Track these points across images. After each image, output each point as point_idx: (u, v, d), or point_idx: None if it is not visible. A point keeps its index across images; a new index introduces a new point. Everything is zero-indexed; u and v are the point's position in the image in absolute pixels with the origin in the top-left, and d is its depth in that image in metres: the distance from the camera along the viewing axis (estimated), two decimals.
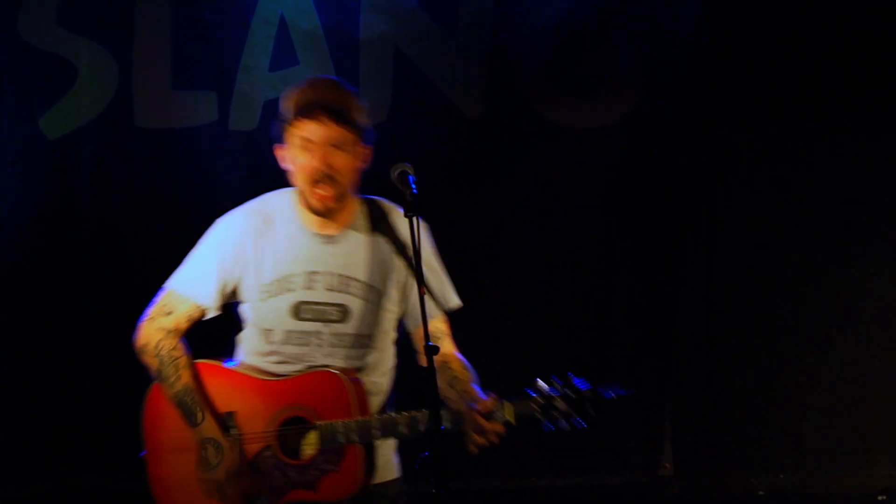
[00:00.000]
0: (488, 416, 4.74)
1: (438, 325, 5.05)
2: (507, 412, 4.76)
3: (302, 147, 4.83)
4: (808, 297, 7.59)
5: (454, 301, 5.06)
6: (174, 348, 4.96)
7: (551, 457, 7.53)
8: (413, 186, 4.71)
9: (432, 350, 4.53)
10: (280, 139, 4.87)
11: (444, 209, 7.43)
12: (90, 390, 7.53)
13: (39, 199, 7.47)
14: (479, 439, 4.74)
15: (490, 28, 7.64)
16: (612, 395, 4.82)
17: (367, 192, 5.05)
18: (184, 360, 4.94)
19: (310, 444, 4.87)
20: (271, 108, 7.49)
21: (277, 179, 7.47)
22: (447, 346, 5.04)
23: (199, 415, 4.90)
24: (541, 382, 4.79)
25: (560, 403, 4.78)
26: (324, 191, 4.83)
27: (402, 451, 5.01)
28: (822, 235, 7.60)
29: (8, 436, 7.45)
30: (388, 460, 5.03)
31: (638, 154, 7.64)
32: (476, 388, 4.89)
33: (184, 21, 7.51)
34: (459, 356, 5.03)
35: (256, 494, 4.87)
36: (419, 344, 5.00)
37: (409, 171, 4.77)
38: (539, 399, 4.78)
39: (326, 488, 4.81)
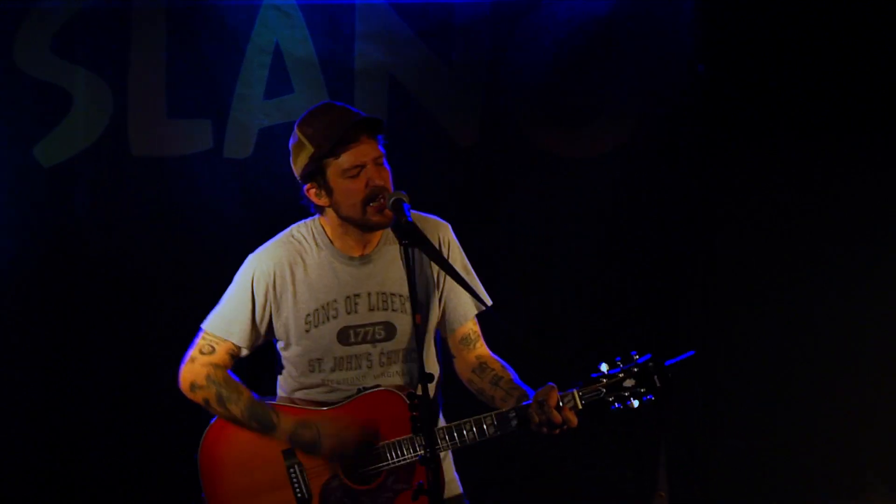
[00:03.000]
0: (557, 406, 4.82)
1: (472, 328, 5.15)
2: (576, 399, 4.87)
3: (351, 173, 4.87)
4: (805, 327, 7.57)
5: (488, 299, 5.12)
6: (225, 376, 4.99)
7: (547, 484, 7.52)
8: (408, 214, 4.75)
9: (428, 378, 4.54)
10: (314, 177, 4.92)
11: None
12: (89, 422, 7.51)
13: (34, 227, 7.45)
14: (553, 431, 4.84)
15: (485, 58, 7.64)
16: (675, 361, 4.88)
17: None
18: (238, 383, 4.98)
19: (377, 466, 4.88)
20: (266, 135, 7.53)
21: (270, 207, 7.52)
22: (482, 348, 5.15)
23: (274, 416, 4.91)
24: (602, 364, 4.83)
25: (627, 381, 4.87)
26: (382, 205, 4.87)
27: (461, 469, 5.16)
28: (819, 266, 7.59)
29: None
30: (451, 478, 5.14)
31: (632, 183, 7.64)
32: (521, 384, 4.97)
33: (179, 49, 7.51)
34: (495, 356, 5.12)
35: None
36: (453, 348, 5.12)
37: (404, 198, 4.81)
38: (603, 380, 4.86)
39: None
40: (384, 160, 4.94)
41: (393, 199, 4.82)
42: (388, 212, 4.86)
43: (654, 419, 7.57)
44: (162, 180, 7.53)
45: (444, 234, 5.18)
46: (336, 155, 4.88)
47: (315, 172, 4.93)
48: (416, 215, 5.01)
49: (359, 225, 4.96)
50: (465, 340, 5.15)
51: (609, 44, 7.63)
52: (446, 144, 7.60)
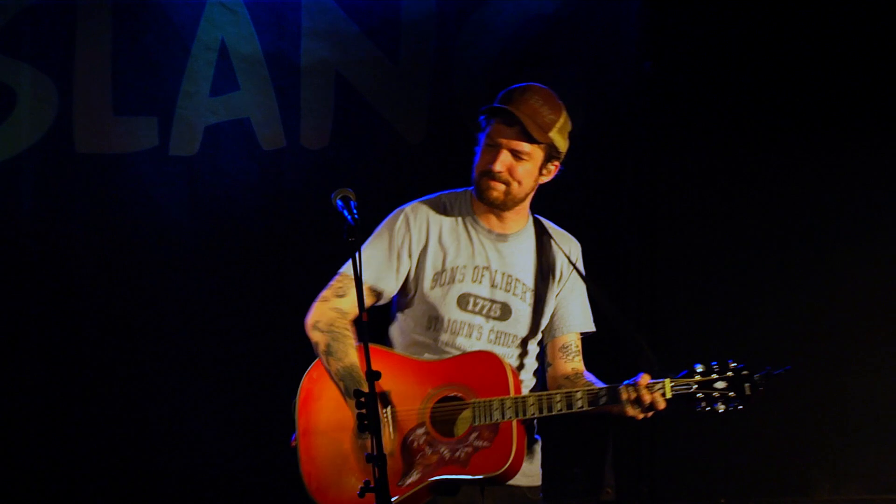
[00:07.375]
0: (649, 387, 4.99)
1: (575, 340, 5.33)
2: (666, 387, 5.00)
3: (490, 144, 5.13)
4: (748, 322, 7.61)
5: (592, 325, 5.33)
6: (346, 328, 5.09)
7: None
8: (354, 212, 4.76)
9: (374, 376, 4.55)
10: (480, 128, 5.17)
11: None
12: (36, 415, 7.47)
13: None
14: (638, 413, 5.00)
15: (431, 54, 7.65)
16: (768, 372, 5.05)
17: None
18: (353, 340, 5.08)
19: (464, 421, 4.99)
20: (212, 133, 7.50)
21: (216, 204, 7.48)
22: (580, 364, 5.32)
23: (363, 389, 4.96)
24: (698, 365, 5.03)
25: (719, 383, 5.02)
26: (493, 185, 5.13)
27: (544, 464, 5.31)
28: (765, 259, 7.62)
29: None
30: (536, 468, 5.31)
31: (579, 178, 7.65)
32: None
33: (125, 47, 7.49)
34: (589, 374, 5.28)
35: (408, 471, 4.96)
36: (551, 355, 5.29)
37: (351, 196, 4.83)
38: (698, 377, 5.01)
39: (477, 464, 4.89)
40: (529, 157, 5.15)
41: (340, 195, 4.84)
42: (490, 191, 5.14)
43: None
44: (107, 178, 7.49)
45: (572, 250, 5.38)
46: (491, 123, 5.12)
47: (481, 125, 5.19)
48: (552, 227, 5.33)
49: (476, 194, 5.21)
50: (566, 349, 5.29)
51: (556, 41, 7.65)
52: (394, 141, 7.60)
